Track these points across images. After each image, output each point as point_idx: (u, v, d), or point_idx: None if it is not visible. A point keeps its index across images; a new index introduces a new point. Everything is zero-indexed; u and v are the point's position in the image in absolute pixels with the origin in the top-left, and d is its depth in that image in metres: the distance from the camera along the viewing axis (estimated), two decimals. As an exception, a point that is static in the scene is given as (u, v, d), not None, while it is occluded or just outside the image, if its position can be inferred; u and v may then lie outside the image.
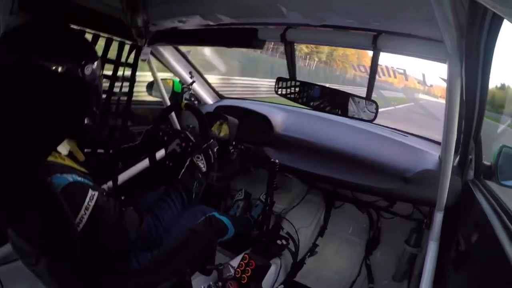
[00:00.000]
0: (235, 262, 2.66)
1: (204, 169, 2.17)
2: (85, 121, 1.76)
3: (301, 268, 3.25)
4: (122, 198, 2.09)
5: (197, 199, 2.24)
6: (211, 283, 2.45)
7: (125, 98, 2.81)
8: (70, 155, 1.80)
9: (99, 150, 2.64)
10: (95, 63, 1.71)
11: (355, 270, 3.25)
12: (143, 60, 2.93)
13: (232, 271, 2.58)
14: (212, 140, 2.29)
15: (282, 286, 2.89)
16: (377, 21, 1.89)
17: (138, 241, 1.75)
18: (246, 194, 3.45)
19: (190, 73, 3.53)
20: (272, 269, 2.76)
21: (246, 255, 2.65)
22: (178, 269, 2.17)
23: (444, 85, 1.97)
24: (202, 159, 2.19)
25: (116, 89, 2.74)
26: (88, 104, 1.72)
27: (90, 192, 1.58)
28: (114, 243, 1.68)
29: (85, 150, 1.92)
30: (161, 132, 2.66)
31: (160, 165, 2.68)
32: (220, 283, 2.48)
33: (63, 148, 1.75)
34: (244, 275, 2.56)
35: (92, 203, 1.56)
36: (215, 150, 2.30)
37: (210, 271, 2.49)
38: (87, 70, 1.67)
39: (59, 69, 1.55)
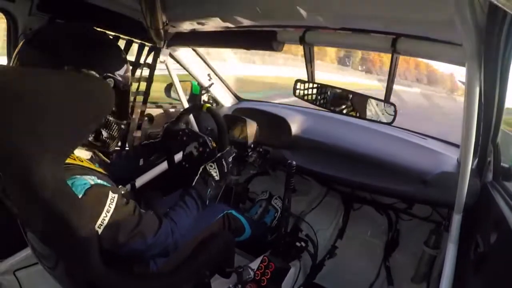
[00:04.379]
0: (255, 264, 2.65)
1: (217, 178, 2.17)
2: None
3: (320, 270, 3.25)
4: (141, 201, 2.10)
5: (215, 201, 2.25)
6: (230, 286, 2.44)
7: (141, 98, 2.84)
8: (89, 158, 1.82)
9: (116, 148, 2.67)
10: (119, 73, 1.72)
11: (374, 272, 3.23)
12: (162, 62, 2.95)
13: (252, 273, 2.56)
14: (227, 149, 2.30)
15: (302, 288, 2.89)
16: (396, 24, 1.89)
17: (154, 246, 1.74)
18: (270, 195, 3.44)
19: (209, 75, 3.54)
20: (292, 272, 2.76)
21: (265, 258, 2.64)
22: (197, 271, 2.17)
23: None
24: (215, 168, 2.19)
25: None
26: (119, 108, 1.74)
27: (111, 194, 1.58)
28: (130, 246, 1.66)
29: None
30: (181, 132, 2.67)
31: (177, 166, 2.69)
32: (239, 286, 2.47)
33: (83, 155, 1.76)
34: (263, 278, 2.55)
35: (112, 206, 1.56)
36: (230, 159, 2.30)
37: (229, 274, 2.49)
38: (112, 76, 1.68)
39: (91, 73, 1.57)
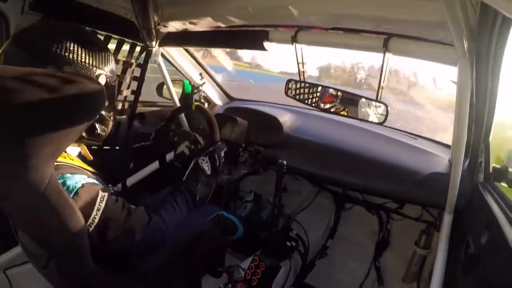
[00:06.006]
0: (245, 264, 2.66)
1: (208, 172, 2.18)
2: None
3: (311, 270, 3.25)
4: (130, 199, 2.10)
5: (206, 201, 2.25)
6: (221, 285, 2.44)
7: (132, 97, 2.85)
8: (79, 155, 1.82)
9: (105, 147, 2.65)
10: (109, 69, 1.72)
11: (365, 272, 3.24)
12: (154, 61, 2.94)
13: (242, 273, 2.57)
14: (219, 144, 2.30)
15: (292, 288, 2.89)
16: (388, 24, 1.89)
17: (143, 242, 1.74)
18: (255, 196, 3.44)
19: (200, 74, 3.54)
20: (282, 271, 2.75)
21: (256, 257, 2.65)
22: (188, 270, 2.17)
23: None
24: (207, 162, 2.19)
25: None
26: (107, 106, 1.74)
27: (101, 193, 1.58)
28: (119, 243, 1.66)
29: (92, 147, 1.93)
30: (172, 132, 2.67)
31: (169, 166, 2.69)
32: (230, 285, 2.47)
33: (73, 151, 1.76)
34: (254, 277, 2.56)
35: (102, 204, 1.57)
36: (222, 153, 2.30)
37: (220, 273, 2.49)
38: (101, 78, 1.68)
39: (77, 71, 1.57)
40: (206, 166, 2.18)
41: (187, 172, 2.16)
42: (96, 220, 1.54)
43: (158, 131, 2.64)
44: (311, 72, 15.02)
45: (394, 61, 2.14)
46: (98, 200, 1.56)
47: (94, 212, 1.54)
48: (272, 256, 2.78)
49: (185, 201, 2.03)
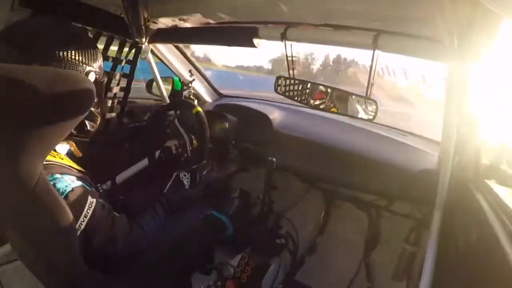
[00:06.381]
0: (235, 261, 2.65)
1: (187, 187, 2.21)
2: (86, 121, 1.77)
3: (301, 267, 3.26)
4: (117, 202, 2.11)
5: (196, 201, 2.27)
6: (210, 283, 2.44)
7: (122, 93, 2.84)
8: (68, 153, 1.81)
9: (95, 144, 2.66)
10: (98, 65, 1.71)
11: (355, 269, 3.25)
12: (143, 58, 2.94)
13: (232, 270, 2.56)
14: (204, 162, 2.32)
15: (282, 285, 2.88)
16: (378, 21, 1.89)
17: (123, 251, 1.77)
18: (241, 193, 3.45)
19: (190, 71, 3.53)
20: (272, 268, 2.75)
21: (245, 255, 2.64)
22: (177, 268, 2.16)
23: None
24: (188, 178, 2.22)
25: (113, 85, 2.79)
26: (96, 102, 1.73)
27: (90, 199, 1.59)
28: (101, 250, 1.68)
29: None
30: (167, 122, 2.67)
31: (158, 163, 2.70)
32: (219, 283, 2.47)
33: (62, 148, 1.75)
34: (243, 275, 2.55)
35: (90, 211, 1.57)
36: (205, 172, 2.33)
37: (209, 271, 2.49)
38: (91, 75, 1.67)
39: (64, 67, 1.56)
40: (186, 181, 2.21)
41: (168, 186, 2.19)
42: (83, 227, 1.55)
43: (158, 111, 2.65)
44: (264, 64, 15.00)
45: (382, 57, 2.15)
46: (86, 207, 1.57)
47: (81, 219, 1.54)
48: (261, 253, 2.77)
49: (163, 212, 2.11)
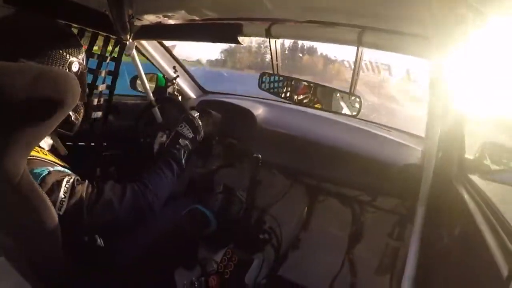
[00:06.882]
0: (218, 257, 2.68)
1: (191, 135, 2.21)
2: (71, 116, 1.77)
3: (284, 262, 3.26)
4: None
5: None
6: (193, 278, 2.45)
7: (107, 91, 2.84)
8: (52, 149, 1.80)
9: (80, 143, 2.64)
10: (81, 57, 1.72)
11: (338, 264, 3.25)
12: (127, 55, 2.93)
13: (215, 265, 2.59)
14: (189, 112, 2.33)
15: (265, 280, 2.89)
16: (362, 17, 1.90)
17: (125, 211, 1.75)
18: (225, 188, 3.45)
19: (174, 67, 3.54)
20: (255, 264, 2.77)
21: (229, 250, 2.66)
22: (161, 263, 2.17)
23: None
24: (186, 126, 2.22)
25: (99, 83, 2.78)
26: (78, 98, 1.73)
27: (67, 177, 1.59)
28: (99, 220, 1.66)
29: (67, 143, 1.92)
30: (142, 138, 2.69)
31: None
32: (203, 278, 2.48)
33: (45, 143, 1.75)
34: (227, 270, 2.57)
35: (69, 185, 1.57)
36: (197, 115, 2.33)
37: (193, 266, 2.50)
38: (74, 66, 1.68)
39: (46, 63, 1.56)
40: (187, 130, 2.21)
41: (167, 141, 2.19)
42: (65, 204, 1.54)
43: (129, 140, 2.67)
44: (217, 56, 14.94)
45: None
46: (64, 183, 1.56)
47: (61, 195, 1.54)
48: (244, 248, 2.80)
49: (170, 167, 2.06)
